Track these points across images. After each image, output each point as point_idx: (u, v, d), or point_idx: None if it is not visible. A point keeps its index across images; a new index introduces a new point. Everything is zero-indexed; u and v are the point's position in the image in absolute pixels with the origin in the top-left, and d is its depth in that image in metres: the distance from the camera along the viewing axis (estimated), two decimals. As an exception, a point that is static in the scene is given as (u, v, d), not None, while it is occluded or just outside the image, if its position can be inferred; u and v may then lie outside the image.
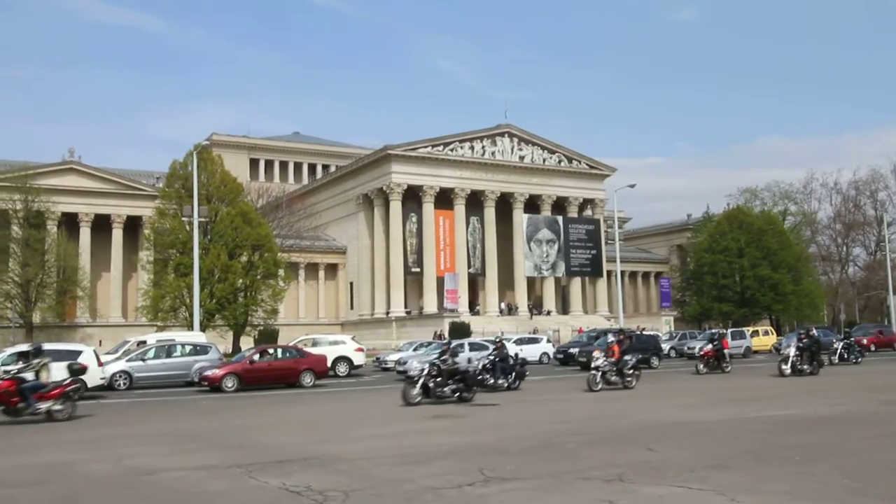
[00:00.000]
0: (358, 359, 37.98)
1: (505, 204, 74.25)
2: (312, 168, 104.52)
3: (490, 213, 73.23)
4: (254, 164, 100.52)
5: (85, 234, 65.18)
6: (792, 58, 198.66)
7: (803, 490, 9.15)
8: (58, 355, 25.36)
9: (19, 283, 55.62)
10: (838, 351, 36.89)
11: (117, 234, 66.69)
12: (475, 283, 74.26)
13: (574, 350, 41.04)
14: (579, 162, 78.30)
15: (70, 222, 63.80)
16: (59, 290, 58.86)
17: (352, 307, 77.32)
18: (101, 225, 66.08)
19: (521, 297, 73.68)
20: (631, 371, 24.87)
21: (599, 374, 24.12)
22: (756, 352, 51.05)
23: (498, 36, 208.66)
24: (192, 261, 41.83)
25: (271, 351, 31.67)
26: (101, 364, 25.87)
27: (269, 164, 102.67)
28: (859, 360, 37.60)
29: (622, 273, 77.55)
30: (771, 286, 70.62)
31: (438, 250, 70.50)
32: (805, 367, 28.86)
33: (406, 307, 70.60)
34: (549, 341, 51.09)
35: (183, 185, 48.84)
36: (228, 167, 54.64)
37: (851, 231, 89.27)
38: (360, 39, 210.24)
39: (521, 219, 74.16)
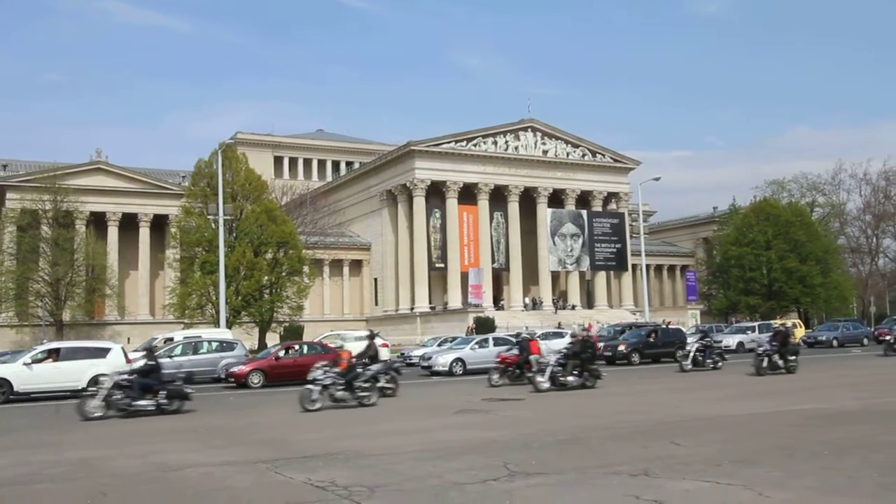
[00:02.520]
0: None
1: (528, 198, 73.96)
2: (336, 165, 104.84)
3: (514, 207, 72.99)
4: (278, 161, 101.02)
5: (113, 233, 65.93)
6: (819, 48, 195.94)
7: (833, 485, 9.02)
8: (86, 353, 25.87)
9: (49, 281, 56.46)
10: (691, 354, 30.28)
11: (144, 233, 67.39)
12: (499, 279, 74.09)
13: (600, 345, 40.78)
14: (603, 155, 77.77)
15: (98, 221, 64.61)
16: (88, 288, 59.66)
17: (376, 303, 77.51)
18: (129, 224, 66.81)
19: (545, 292, 73.40)
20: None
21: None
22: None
23: (521, 31, 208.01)
24: (218, 258, 42.16)
25: (297, 347, 31.91)
26: (129, 361, 26.14)
27: (293, 161, 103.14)
28: (720, 364, 30.66)
29: (647, 267, 76.92)
30: (799, 279, 69.80)
31: (462, 245, 70.43)
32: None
33: (430, 303, 70.62)
34: (571, 336, 50.80)
35: (208, 183, 49.24)
36: (253, 165, 55.01)
37: (881, 222, 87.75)
38: (383, 37, 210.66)
39: (544, 213, 73.82)
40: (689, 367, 29.72)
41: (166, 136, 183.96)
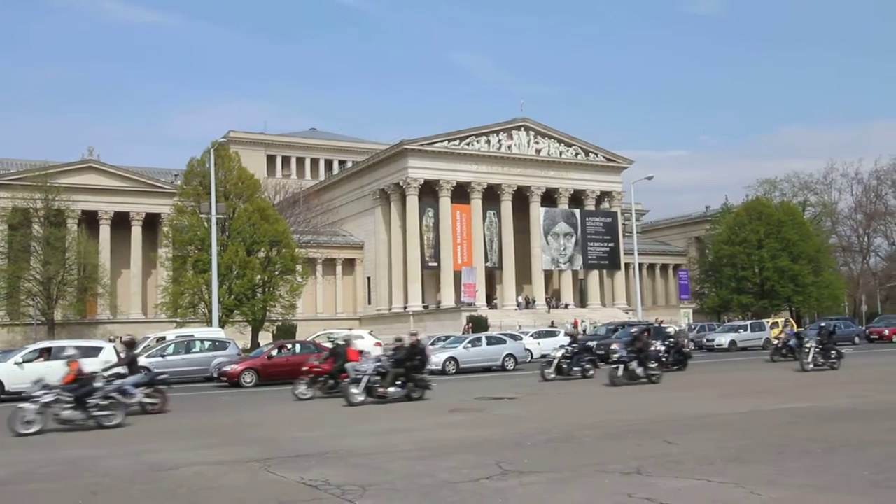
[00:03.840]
0: (376, 354, 37.97)
1: (522, 197, 74.04)
2: (329, 164, 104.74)
3: (507, 206, 73.06)
4: (271, 160, 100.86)
5: (105, 231, 65.69)
6: (811, 47, 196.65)
7: (824, 482, 9.06)
8: (78, 352, 25.76)
9: (41, 280, 56.19)
10: (554, 362, 27.19)
11: (136, 232, 67.17)
12: (492, 277, 74.16)
13: (592, 343, 40.83)
14: (596, 154, 77.88)
15: (90, 220, 64.34)
16: (80, 287, 59.39)
17: (369, 302, 77.49)
18: (121, 223, 66.58)
19: (538, 291, 73.53)
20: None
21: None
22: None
23: (514, 30, 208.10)
24: (211, 257, 42.11)
25: (289, 346, 31.87)
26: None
27: (285, 160, 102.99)
28: (590, 373, 27.42)
29: (640, 266, 77.04)
30: (791, 277, 70.05)
31: (455, 244, 70.46)
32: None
33: (423, 301, 70.63)
34: (566, 335, 50.92)
35: (201, 182, 49.12)
36: (245, 164, 54.89)
37: (873, 221, 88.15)
38: (377, 36, 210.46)
39: (537, 212, 73.92)
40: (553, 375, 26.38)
41: (159, 135, 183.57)
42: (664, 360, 27.96)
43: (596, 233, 75.76)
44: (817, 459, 10.55)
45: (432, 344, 39.82)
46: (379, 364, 20.39)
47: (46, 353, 25.15)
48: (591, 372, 27.17)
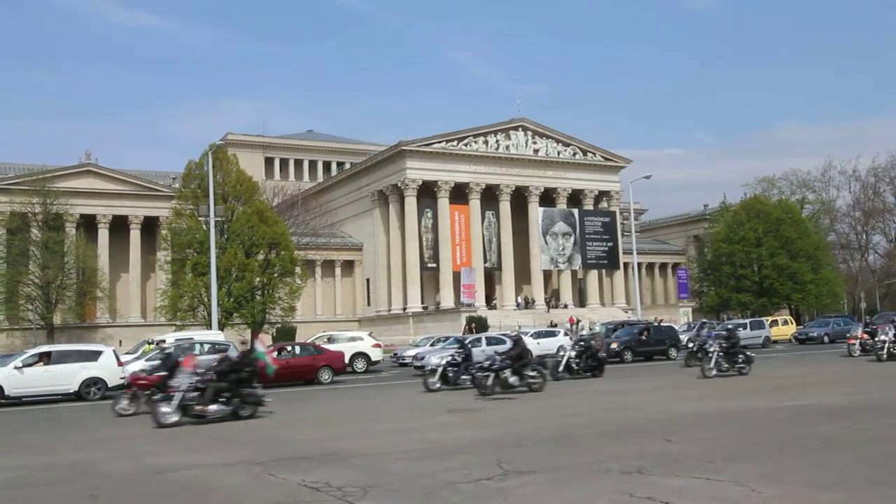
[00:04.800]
0: (375, 355, 38.08)
1: (520, 198, 74.07)
2: (327, 166, 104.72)
3: (505, 207, 73.10)
4: (269, 162, 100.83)
5: (103, 235, 65.65)
6: (809, 42, 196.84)
7: (824, 480, 9.08)
8: (78, 356, 25.82)
9: (39, 285, 56.17)
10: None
11: (135, 235, 67.14)
12: (491, 278, 74.17)
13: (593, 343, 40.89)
14: (594, 154, 77.92)
15: (88, 224, 64.30)
16: (79, 291, 59.35)
17: (368, 303, 77.49)
18: (119, 226, 66.55)
19: (537, 291, 73.55)
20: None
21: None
22: (776, 342, 50.73)
23: (511, 29, 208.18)
24: (210, 260, 42.10)
25: (289, 348, 31.88)
26: (121, 364, 26.08)
27: (283, 162, 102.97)
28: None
29: (639, 265, 77.08)
30: (789, 275, 70.12)
31: (454, 245, 70.48)
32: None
33: (423, 302, 70.63)
34: (565, 334, 51.03)
35: (199, 185, 49.11)
36: (243, 166, 54.83)
37: (871, 218, 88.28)
38: (374, 35, 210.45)
39: (536, 212, 73.95)
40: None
41: (157, 138, 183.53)
42: (574, 366, 26.84)
43: (594, 232, 75.82)
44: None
45: (432, 344, 39.92)
46: (197, 378, 17.30)
47: (46, 358, 25.15)
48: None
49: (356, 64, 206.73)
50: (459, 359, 24.68)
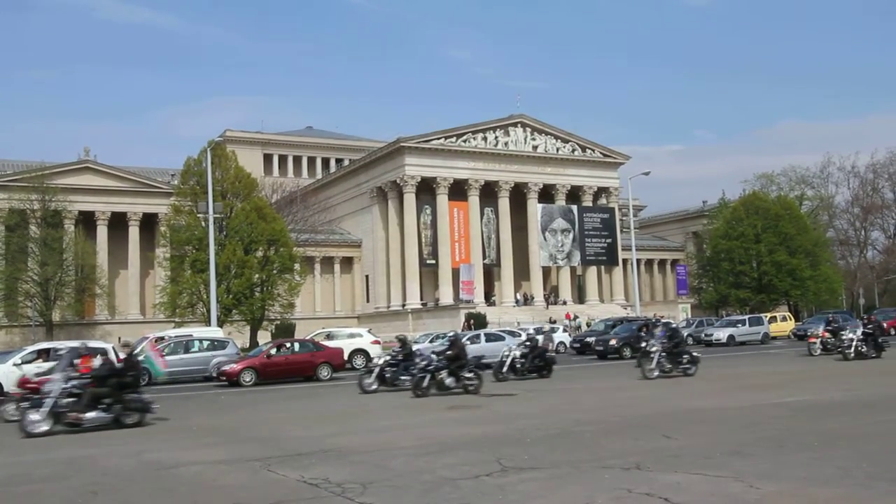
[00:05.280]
0: (374, 351, 37.92)
1: (519, 194, 74.05)
2: (326, 162, 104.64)
3: (504, 203, 73.07)
4: (267, 159, 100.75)
5: (102, 232, 65.65)
6: (808, 39, 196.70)
7: (823, 475, 9.09)
8: (76, 353, 25.75)
9: (38, 282, 56.17)
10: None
11: (134, 232, 67.13)
12: (490, 274, 74.18)
13: (591, 339, 40.97)
14: (593, 150, 77.91)
15: (87, 221, 64.29)
16: (78, 288, 59.38)
17: (368, 300, 77.50)
18: (118, 223, 66.53)
19: (536, 287, 73.56)
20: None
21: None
22: (774, 338, 50.77)
23: (510, 26, 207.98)
24: (209, 257, 42.11)
25: (288, 345, 31.87)
26: (119, 361, 26.01)
27: (282, 159, 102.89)
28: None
29: (638, 261, 77.09)
30: (788, 272, 70.15)
31: (453, 242, 70.47)
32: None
33: (422, 299, 70.66)
34: (564, 330, 51.15)
35: (198, 181, 49.12)
36: (242, 163, 54.87)
37: (870, 215, 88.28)
38: (372, 32, 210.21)
39: (535, 209, 73.95)
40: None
41: (155, 134, 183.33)
42: (519, 366, 25.73)
43: (593, 229, 75.83)
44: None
45: (431, 341, 39.93)
46: (73, 383, 15.89)
47: (45, 355, 25.15)
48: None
49: (355, 61, 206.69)
50: (400, 358, 23.60)
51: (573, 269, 76.88)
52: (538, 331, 37.64)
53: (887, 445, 11.09)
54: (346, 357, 33.49)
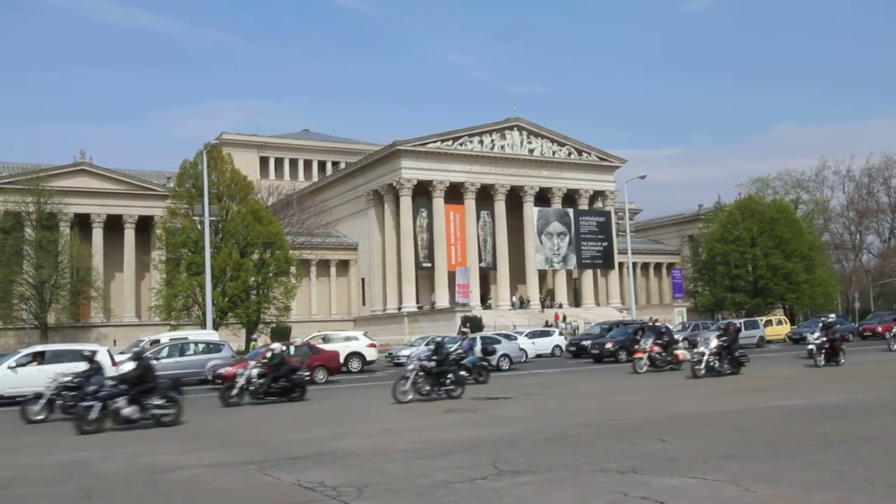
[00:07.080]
0: (370, 354, 38.05)
1: (515, 197, 74.09)
2: (322, 165, 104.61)
3: (500, 206, 73.09)
4: (264, 162, 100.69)
5: (97, 234, 65.50)
6: (805, 43, 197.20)
7: (818, 479, 9.09)
8: (71, 356, 25.70)
9: (33, 284, 56.02)
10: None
11: (129, 235, 66.99)
12: (486, 277, 74.18)
13: (586, 342, 40.95)
14: (589, 154, 77.98)
15: (82, 223, 64.12)
16: (73, 290, 59.22)
17: (364, 303, 77.43)
18: (114, 225, 66.39)
19: (532, 291, 73.57)
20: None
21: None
22: (770, 341, 50.81)
23: (507, 30, 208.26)
24: (204, 259, 42.04)
25: (284, 348, 31.73)
26: (115, 364, 25.97)
27: (278, 161, 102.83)
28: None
29: (634, 265, 77.23)
30: (784, 275, 70.29)
31: (449, 245, 70.47)
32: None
33: (418, 302, 70.62)
34: (560, 334, 51.14)
35: (194, 184, 49.01)
36: (238, 166, 54.77)
37: (865, 219, 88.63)
38: (370, 35, 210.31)
39: (531, 212, 73.99)
40: None
41: (152, 137, 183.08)
42: (254, 388, 21.74)
43: (589, 232, 75.90)
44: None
45: (427, 344, 39.88)
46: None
47: (40, 358, 25.05)
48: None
49: (352, 64, 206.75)
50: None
51: (569, 273, 76.93)
52: (449, 338, 33.03)
53: (882, 448, 11.09)
54: (342, 360, 33.45)
